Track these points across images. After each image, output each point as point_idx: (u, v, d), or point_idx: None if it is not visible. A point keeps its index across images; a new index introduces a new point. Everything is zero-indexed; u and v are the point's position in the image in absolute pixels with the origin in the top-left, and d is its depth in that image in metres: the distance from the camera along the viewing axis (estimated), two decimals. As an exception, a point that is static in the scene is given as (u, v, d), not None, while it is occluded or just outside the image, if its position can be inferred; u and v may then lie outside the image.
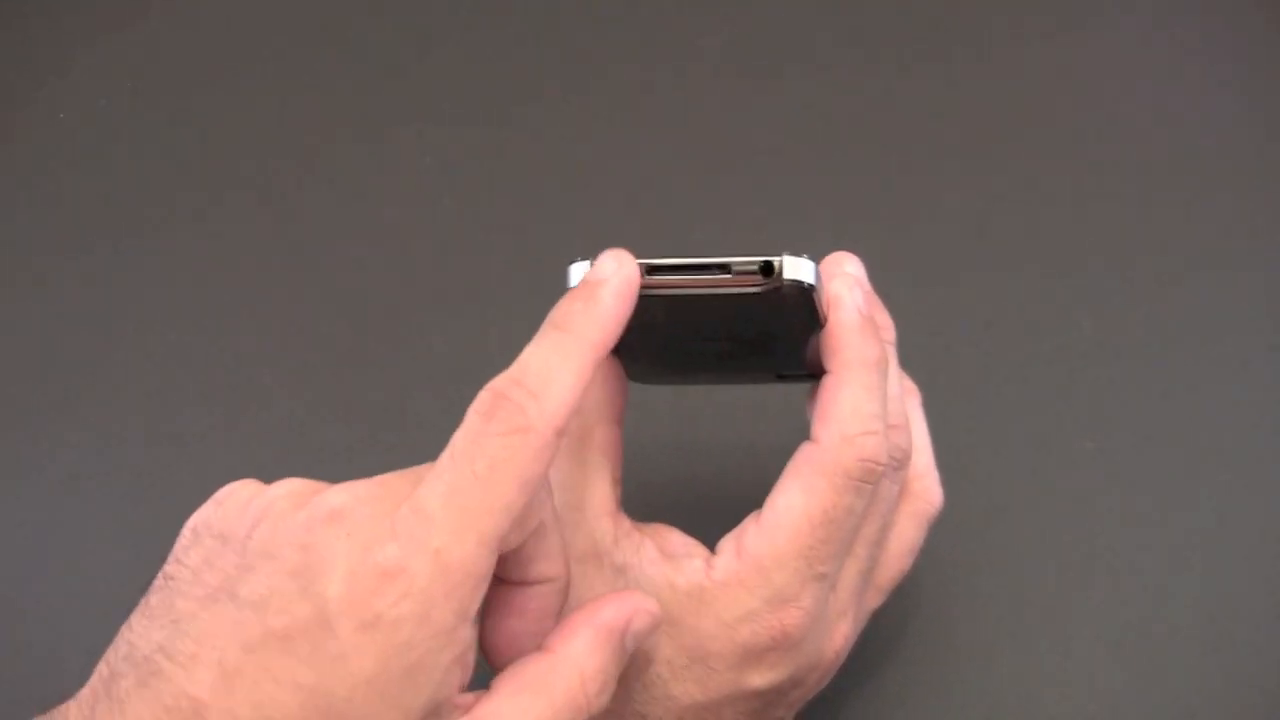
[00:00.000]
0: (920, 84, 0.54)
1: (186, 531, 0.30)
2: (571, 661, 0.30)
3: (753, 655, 0.32)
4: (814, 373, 0.34)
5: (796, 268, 0.30)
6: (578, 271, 0.32)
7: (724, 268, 0.30)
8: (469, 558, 0.27)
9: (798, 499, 0.32)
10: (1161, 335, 0.47)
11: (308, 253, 0.50)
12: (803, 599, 0.32)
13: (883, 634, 0.41)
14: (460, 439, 0.28)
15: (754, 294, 0.31)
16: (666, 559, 0.33)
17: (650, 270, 0.31)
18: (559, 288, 0.49)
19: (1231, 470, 0.44)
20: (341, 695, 0.26)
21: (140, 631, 0.29)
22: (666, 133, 0.53)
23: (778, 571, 0.32)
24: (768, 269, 0.30)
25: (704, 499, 0.44)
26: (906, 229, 0.50)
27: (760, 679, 0.33)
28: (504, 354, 0.48)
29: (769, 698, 0.33)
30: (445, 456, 0.28)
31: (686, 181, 0.52)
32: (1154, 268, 0.49)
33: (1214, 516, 0.44)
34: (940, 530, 0.43)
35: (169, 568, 0.30)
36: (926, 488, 0.37)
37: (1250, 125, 0.52)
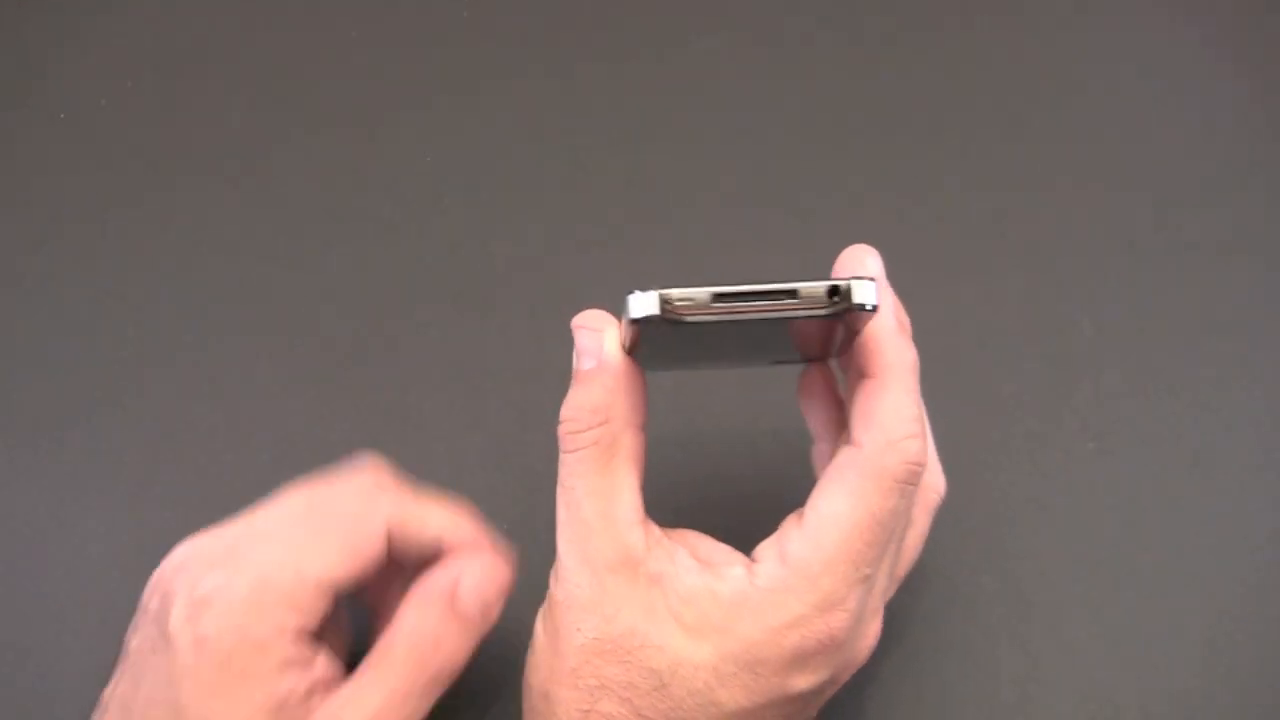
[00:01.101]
0: (921, 84, 0.54)
1: None
2: (404, 631, 0.35)
3: (800, 659, 0.33)
4: (806, 358, 0.35)
5: (863, 292, 0.31)
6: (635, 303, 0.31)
7: (791, 293, 0.31)
8: (286, 585, 0.33)
9: (844, 504, 0.32)
10: (1161, 335, 0.47)
11: (308, 252, 0.50)
12: (849, 602, 0.33)
13: (883, 634, 0.41)
14: (323, 493, 0.35)
15: (816, 316, 0.31)
16: (705, 567, 0.33)
17: (717, 298, 0.30)
18: (560, 287, 0.49)
19: (1231, 470, 0.44)
20: (195, 707, 0.32)
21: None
22: (668, 131, 0.53)
23: (826, 577, 0.32)
24: (834, 292, 0.31)
25: (705, 493, 0.44)
26: (907, 229, 0.50)
27: (804, 681, 0.33)
28: (504, 353, 0.48)
29: (809, 698, 0.34)
30: (290, 492, 0.35)
31: (689, 179, 0.52)
32: (1154, 268, 0.49)
33: (1214, 517, 0.44)
34: (940, 530, 0.43)
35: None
36: (933, 475, 0.37)
37: (1251, 125, 0.52)
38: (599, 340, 0.33)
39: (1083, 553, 0.43)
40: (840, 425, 0.37)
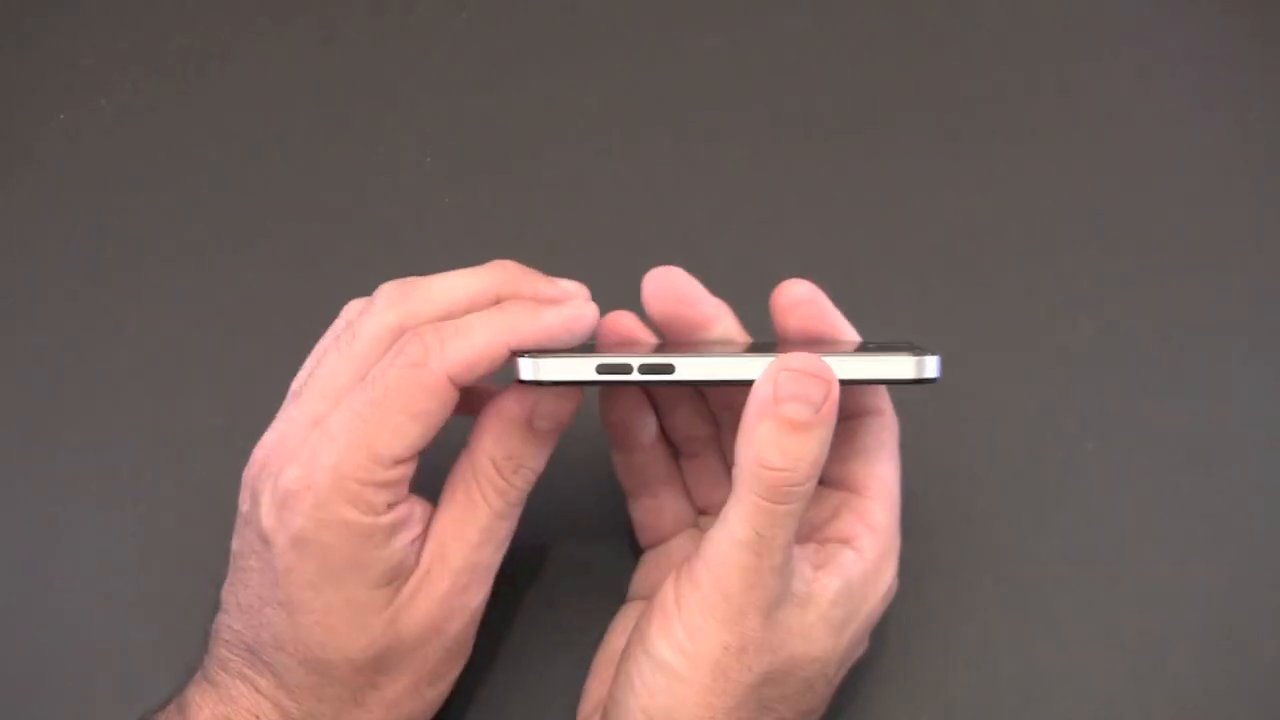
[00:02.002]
0: (921, 85, 0.54)
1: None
2: (483, 453, 0.35)
3: (882, 611, 0.38)
4: None
5: (935, 367, 0.34)
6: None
7: (669, 367, 0.34)
8: (362, 470, 0.33)
9: (892, 466, 0.38)
10: (1161, 335, 0.47)
11: (309, 252, 0.50)
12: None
13: (883, 634, 0.41)
14: (376, 366, 0.34)
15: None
16: (825, 567, 0.35)
17: (601, 369, 0.34)
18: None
19: (1231, 470, 0.45)
20: (307, 601, 0.33)
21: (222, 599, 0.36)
22: (670, 131, 0.53)
23: (897, 532, 0.37)
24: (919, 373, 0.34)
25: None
26: (907, 230, 0.50)
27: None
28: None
29: None
30: (360, 383, 0.34)
31: (691, 179, 0.52)
32: (1153, 269, 0.49)
33: (1214, 516, 0.44)
34: (941, 530, 0.44)
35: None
36: None
37: (1250, 125, 0.52)
38: (825, 389, 0.33)
39: (1082, 553, 0.43)
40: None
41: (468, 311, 0.35)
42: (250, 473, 0.35)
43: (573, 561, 0.44)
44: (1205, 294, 0.48)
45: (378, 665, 0.34)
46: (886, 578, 0.37)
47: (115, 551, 0.44)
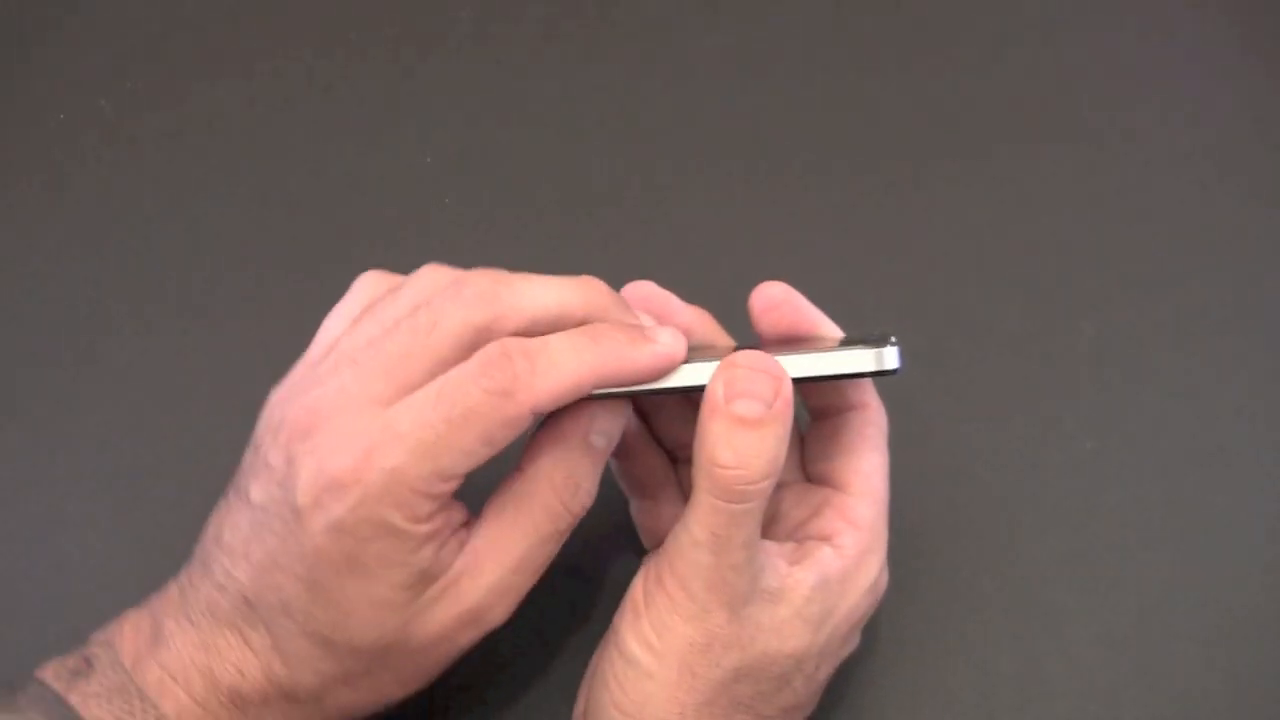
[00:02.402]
0: (920, 84, 0.54)
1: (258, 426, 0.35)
2: (541, 474, 0.34)
3: (870, 609, 0.37)
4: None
5: (895, 358, 0.34)
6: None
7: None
8: (421, 481, 0.31)
9: (878, 459, 0.37)
10: (1161, 336, 0.47)
11: (309, 252, 0.50)
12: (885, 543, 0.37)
13: (883, 634, 0.41)
14: (456, 376, 0.32)
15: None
16: (801, 563, 0.35)
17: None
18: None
19: (1231, 470, 0.44)
20: (332, 586, 0.32)
21: (213, 520, 0.35)
22: (670, 131, 0.53)
23: (882, 527, 0.37)
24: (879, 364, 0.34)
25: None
26: (907, 230, 0.50)
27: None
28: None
29: None
30: (436, 386, 0.32)
31: (691, 179, 0.52)
32: (1154, 268, 0.49)
33: (1214, 516, 0.44)
34: (941, 530, 0.43)
35: (242, 461, 0.35)
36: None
37: (1250, 125, 0.52)
38: (775, 386, 0.33)
39: (1083, 552, 0.43)
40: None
41: (554, 326, 0.34)
42: (285, 421, 0.33)
43: (575, 564, 0.43)
44: (1205, 294, 0.48)
45: (381, 657, 0.34)
46: (869, 574, 0.36)
47: (116, 550, 0.44)
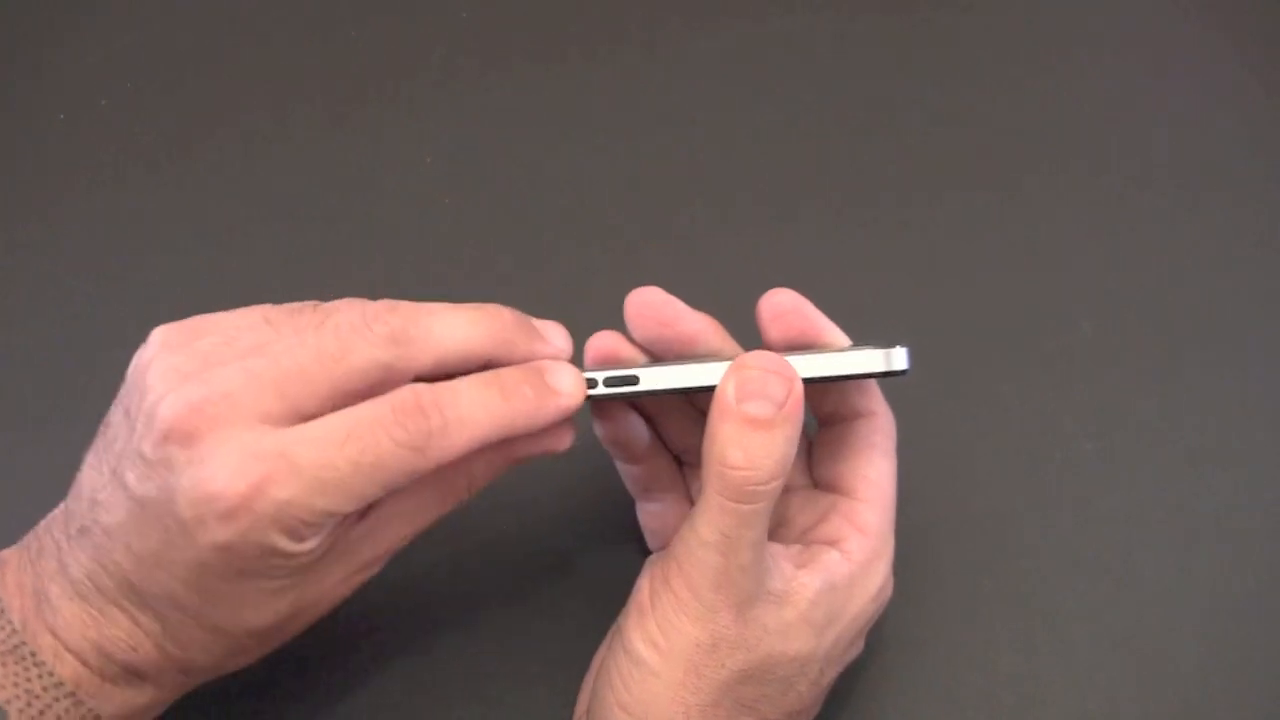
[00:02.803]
0: (920, 83, 0.54)
1: (128, 376, 0.33)
2: (462, 471, 0.35)
3: (877, 614, 0.37)
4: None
5: (904, 359, 0.34)
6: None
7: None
8: (313, 515, 0.30)
9: (886, 467, 0.37)
10: (1161, 335, 0.47)
11: (309, 252, 0.50)
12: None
13: (883, 634, 0.41)
14: (368, 419, 0.31)
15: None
16: (808, 567, 0.35)
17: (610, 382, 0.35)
18: (561, 288, 0.49)
19: (1231, 470, 0.44)
20: (213, 589, 0.31)
21: (85, 478, 0.33)
22: (669, 131, 0.53)
23: (890, 534, 0.37)
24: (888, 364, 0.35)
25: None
26: (907, 229, 0.50)
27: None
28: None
29: None
30: (345, 423, 0.31)
31: (690, 178, 0.52)
32: (1154, 268, 0.49)
33: (1214, 516, 0.44)
34: (941, 530, 0.43)
35: (113, 414, 0.33)
36: None
37: (1252, 126, 0.52)
38: (787, 387, 0.33)
39: (1082, 553, 0.43)
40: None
41: (461, 364, 0.33)
42: (161, 414, 0.31)
43: (582, 566, 0.43)
44: (1205, 294, 0.48)
45: (277, 630, 0.33)
46: (876, 579, 0.36)
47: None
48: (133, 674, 0.33)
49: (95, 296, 0.50)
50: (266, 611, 0.32)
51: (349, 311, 0.33)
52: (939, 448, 0.45)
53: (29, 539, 0.34)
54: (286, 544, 0.31)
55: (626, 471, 0.40)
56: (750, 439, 0.32)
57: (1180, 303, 0.48)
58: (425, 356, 0.33)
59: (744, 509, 0.32)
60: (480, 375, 0.34)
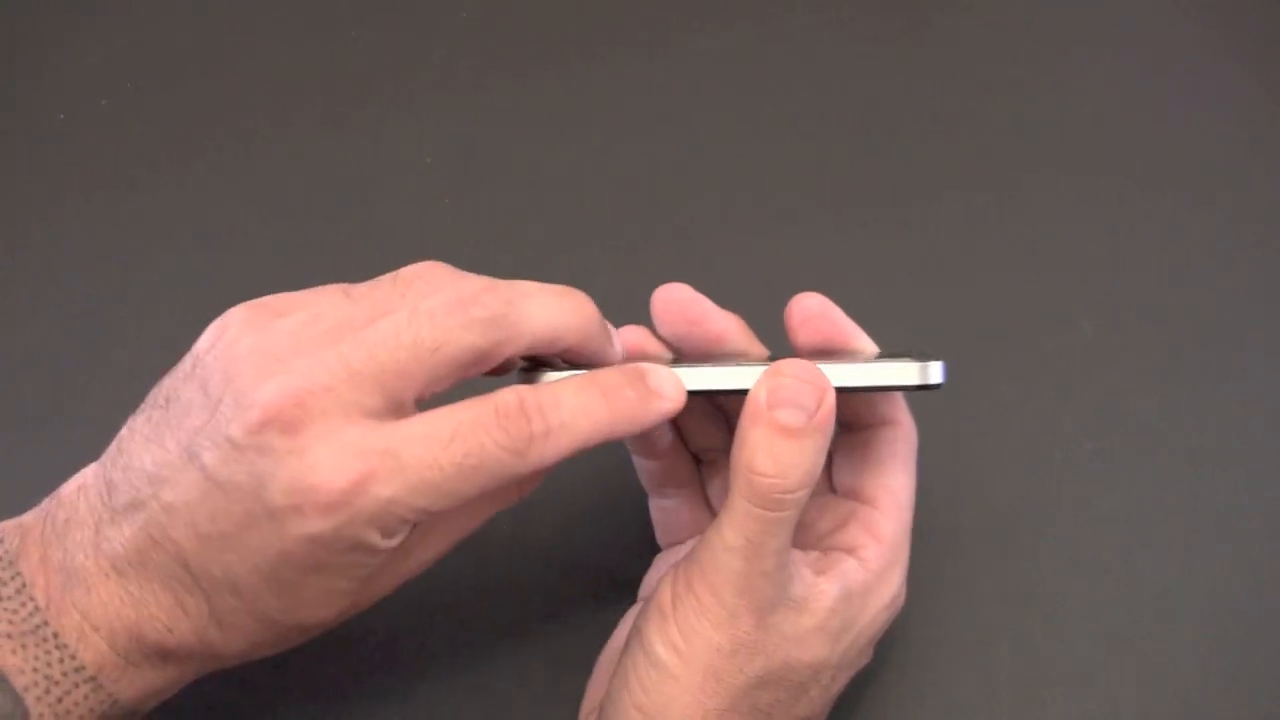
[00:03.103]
0: (920, 82, 0.54)
1: (202, 354, 0.32)
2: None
3: (888, 623, 0.37)
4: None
5: (940, 373, 0.34)
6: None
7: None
8: (411, 512, 0.31)
9: (906, 478, 0.37)
10: (1161, 335, 0.47)
11: (309, 253, 0.50)
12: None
13: (883, 634, 0.41)
14: (470, 422, 0.31)
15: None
16: (826, 574, 0.35)
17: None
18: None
19: (1231, 470, 0.44)
20: (286, 580, 0.31)
21: (137, 450, 0.32)
22: (670, 130, 0.53)
23: (906, 543, 0.37)
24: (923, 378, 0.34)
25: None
26: (906, 229, 0.50)
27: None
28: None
29: None
30: (449, 424, 0.31)
31: (691, 178, 0.52)
32: (1154, 268, 0.49)
33: (1214, 516, 0.44)
34: (941, 530, 0.43)
35: (179, 387, 0.32)
36: None
37: (1252, 125, 0.52)
38: (819, 396, 0.33)
39: (1082, 553, 0.43)
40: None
41: (546, 349, 0.34)
42: (259, 401, 0.30)
43: (587, 562, 0.43)
44: (1205, 294, 0.48)
45: (320, 626, 0.33)
46: (890, 589, 0.36)
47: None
48: (161, 656, 0.32)
49: (95, 296, 0.50)
50: (327, 608, 0.32)
51: (442, 292, 0.32)
52: (939, 448, 0.45)
53: (50, 506, 0.33)
54: (378, 540, 0.31)
55: (643, 466, 0.40)
56: (780, 447, 0.32)
57: (1180, 303, 0.48)
58: (520, 342, 0.33)
59: (770, 515, 0.32)
60: (582, 377, 0.33)
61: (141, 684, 0.32)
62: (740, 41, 0.55)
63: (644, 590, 0.41)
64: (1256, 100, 0.53)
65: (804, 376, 0.33)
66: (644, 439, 0.39)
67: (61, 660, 0.31)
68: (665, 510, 0.41)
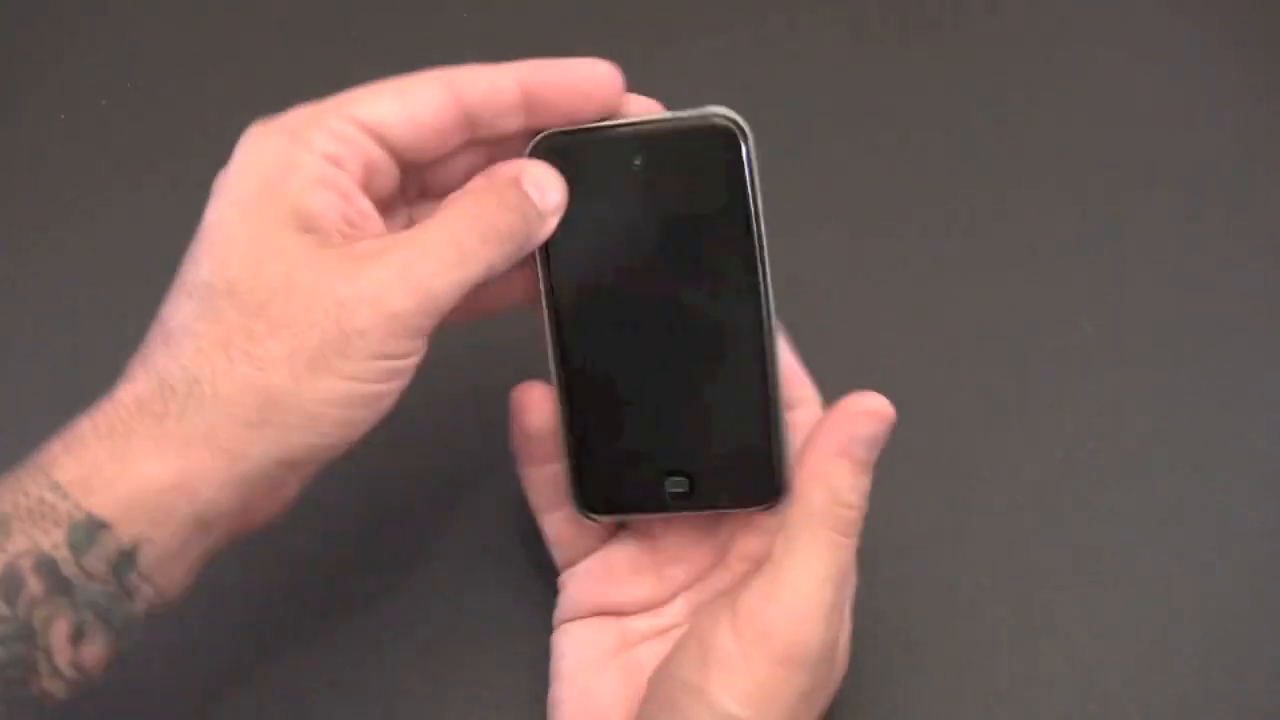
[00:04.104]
0: (920, 82, 0.54)
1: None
2: (466, 196, 0.33)
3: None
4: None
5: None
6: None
7: None
8: (327, 117, 0.35)
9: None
10: (1161, 335, 0.47)
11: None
12: None
13: (882, 634, 0.41)
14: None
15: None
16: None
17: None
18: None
19: (1231, 470, 0.44)
20: (214, 224, 0.34)
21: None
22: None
23: (836, 536, 0.35)
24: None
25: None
26: (906, 229, 0.50)
27: None
28: (503, 353, 0.48)
29: None
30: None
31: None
32: (1154, 268, 0.49)
33: (1214, 516, 0.44)
34: (941, 530, 0.43)
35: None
36: None
37: (1252, 124, 0.52)
38: (890, 427, 0.34)
39: (1083, 553, 0.43)
40: None
41: None
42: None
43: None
44: (1205, 294, 0.48)
45: (325, 447, 0.31)
46: (850, 576, 0.36)
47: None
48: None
49: (95, 296, 0.50)
50: (351, 399, 0.30)
51: None
52: (938, 448, 0.45)
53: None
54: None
55: (534, 476, 0.38)
56: (861, 480, 0.34)
57: (1180, 303, 0.48)
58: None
59: (848, 543, 0.34)
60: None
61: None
62: (739, 42, 0.55)
63: (561, 614, 0.39)
64: (1257, 101, 0.53)
65: (884, 412, 0.34)
66: (538, 442, 0.37)
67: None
68: (561, 523, 0.38)
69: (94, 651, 0.30)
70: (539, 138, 0.34)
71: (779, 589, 0.33)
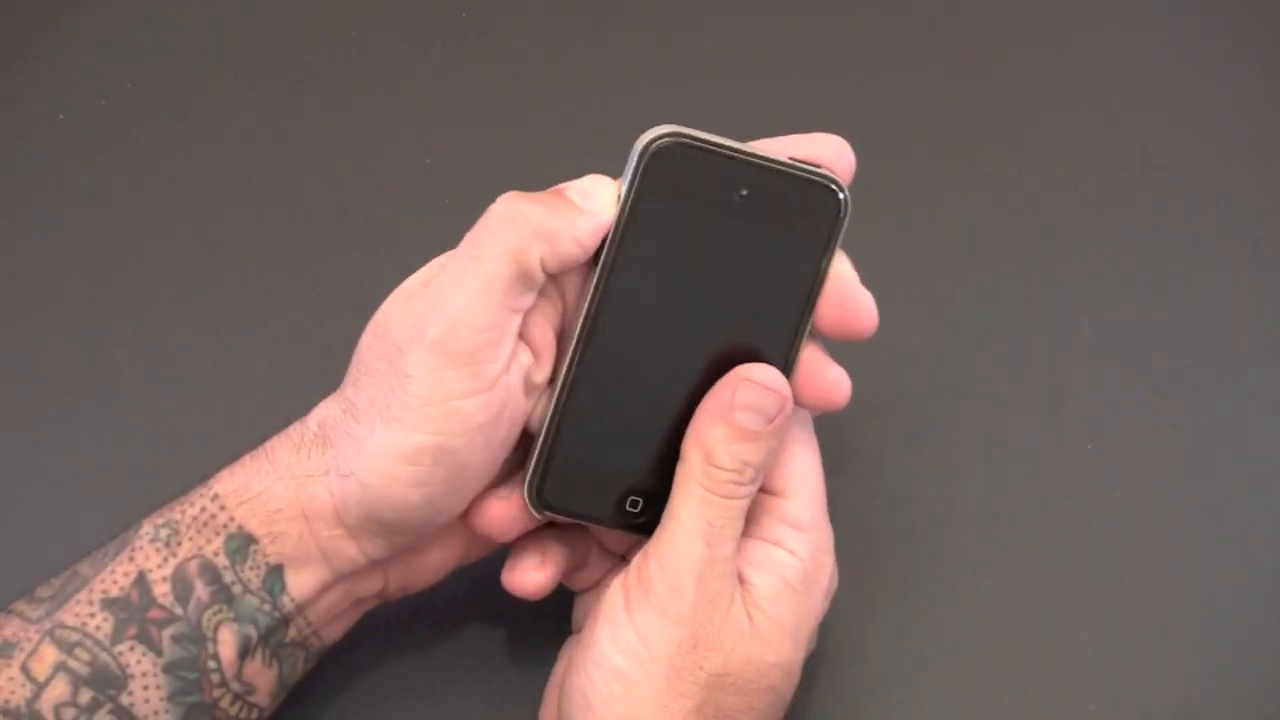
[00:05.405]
0: (920, 81, 0.54)
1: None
2: None
3: (827, 606, 0.37)
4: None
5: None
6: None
7: None
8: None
9: (808, 457, 0.37)
10: (1161, 335, 0.47)
11: (308, 253, 0.50)
12: None
13: (882, 633, 0.41)
14: None
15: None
16: (763, 571, 0.35)
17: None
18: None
19: (1231, 470, 0.45)
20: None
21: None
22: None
23: (826, 522, 0.37)
24: None
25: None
26: (906, 229, 0.50)
27: None
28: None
29: None
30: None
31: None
32: (1154, 268, 0.49)
33: (1214, 516, 0.44)
34: (940, 530, 0.44)
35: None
36: None
37: (1251, 124, 0.52)
38: (780, 404, 0.34)
39: (1082, 553, 0.43)
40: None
41: None
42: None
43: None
44: (1205, 294, 0.48)
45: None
46: (825, 573, 0.36)
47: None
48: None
49: (95, 296, 0.50)
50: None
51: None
52: (938, 447, 0.45)
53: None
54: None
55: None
56: (737, 446, 0.34)
57: (1180, 303, 0.48)
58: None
59: (726, 502, 0.34)
60: None
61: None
62: (738, 41, 0.55)
63: (578, 621, 0.40)
64: (1257, 100, 0.53)
65: (770, 384, 0.34)
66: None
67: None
68: (584, 591, 0.40)
69: (259, 670, 0.34)
70: (656, 134, 0.34)
71: (657, 544, 0.34)
